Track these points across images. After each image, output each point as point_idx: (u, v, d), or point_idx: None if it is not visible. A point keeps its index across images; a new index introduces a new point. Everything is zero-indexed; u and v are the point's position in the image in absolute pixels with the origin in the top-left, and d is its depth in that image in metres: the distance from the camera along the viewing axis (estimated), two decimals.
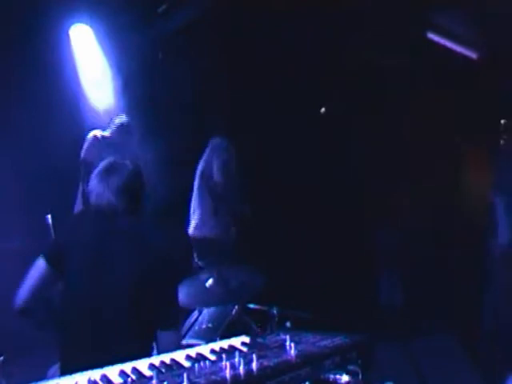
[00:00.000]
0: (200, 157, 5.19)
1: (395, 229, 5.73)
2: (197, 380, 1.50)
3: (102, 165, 2.57)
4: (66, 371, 1.70)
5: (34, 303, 2.47)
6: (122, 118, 4.91)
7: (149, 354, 2.26)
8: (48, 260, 2.47)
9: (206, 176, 5.08)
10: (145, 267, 2.38)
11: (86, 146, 4.78)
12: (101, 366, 1.69)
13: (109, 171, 2.54)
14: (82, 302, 2.35)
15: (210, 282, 3.52)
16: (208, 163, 5.11)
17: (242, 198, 5.17)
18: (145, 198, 2.61)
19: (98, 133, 4.84)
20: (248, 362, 1.58)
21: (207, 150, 5.17)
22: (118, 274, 2.35)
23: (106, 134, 4.83)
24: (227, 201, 5.07)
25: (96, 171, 2.57)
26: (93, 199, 2.54)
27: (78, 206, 4.73)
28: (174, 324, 2.46)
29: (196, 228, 5.11)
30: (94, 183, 2.53)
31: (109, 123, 4.88)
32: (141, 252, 2.43)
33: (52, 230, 4.33)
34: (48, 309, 2.52)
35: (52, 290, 2.51)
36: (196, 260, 4.90)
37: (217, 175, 5.03)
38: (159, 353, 2.38)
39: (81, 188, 4.72)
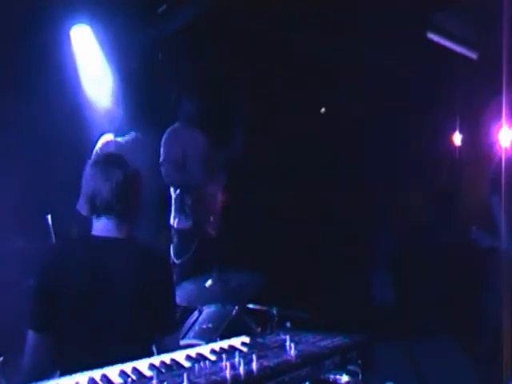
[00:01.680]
0: None
1: (392, 229, 5.74)
2: (197, 380, 1.50)
3: (100, 154, 2.38)
4: (66, 372, 1.69)
5: (42, 374, 2.34)
6: (134, 135, 4.90)
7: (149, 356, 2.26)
8: (39, 330, 2.31)
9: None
10: (144, 276, 2.36)
11: (98, 147, 4.77)
12: (101, 366, 1.69)
13: (110, 162, 2.32)
14: (82, 310, 2.30)
15: (210, 282, 3.54)
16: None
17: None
18: (140, 206, 2.44)
19: (108, 138, 4.85)
20: (248, 362, 1.58)
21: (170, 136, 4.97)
22: (117, 285, 2.31)
23: (119, 139, 4.83)
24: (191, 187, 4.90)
25: (93, 160, 2.37)
26: (86, 191, 2.35)
27: (81, 204, 4.72)
28: (173, 329, 2.46)
29: (175, 221, 4.96)
30: (90, 174, 2.32)
31: (117, 126, 4.86)
32: (139, 261, 2.39)
33: (52, 231, 4.34)
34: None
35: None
36: (174, 259, 4.77)
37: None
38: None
39: None
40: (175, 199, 4.94)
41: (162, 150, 4.88)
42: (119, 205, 2.32)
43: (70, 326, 2.30)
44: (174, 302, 2.51)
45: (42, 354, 2.33)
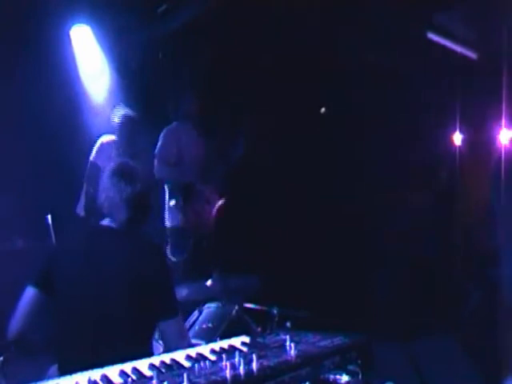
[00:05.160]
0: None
1: (392, 228, 5.73)
2: (197, 380, 1.50)
3: (115, 166, 2.49)
4: (65, 372, 1.70)
5: (28, 333, 2.42)
6: (123, 110, 4.89)
7: (148, 355, 2.27)
8: (37, 285, 2.42)
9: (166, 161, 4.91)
10: (140, 263, 2.39)
11: (96, 149, 4.79)
12: (101, 365, 1.69)
13: (123, 176, 2.45)
14: (79, 304, 2.32)
15: (210, 282, 3.55)
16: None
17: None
18: (149, 214, 2.58)
19: (108, 138, 4.85)
20: (248, 362, 1.58)
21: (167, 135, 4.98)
22: (113, 273, 2.34)
23: (115, 138, 4.83)
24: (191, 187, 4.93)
25: (109, 171, 2.48)
26: (102, 201, 2.47)
27: (81, 206, 4.74)
28: (174, 313, 2.46)
29: (167, 219, 4.97)
30: (107, 185, 2.46)
31: (112, 119, 4.84)
32: (134, 249, 2.43)
33: (52, 231, 4.35)
34: (41, 334, 2.48)
35: (44, 315, 2.46)
36: (170, 256, 4.77)
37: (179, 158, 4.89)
38: (165, 342, 2.45)
39: (85, 188, 4.73)
40: (168, 197, 4.94)
41: (158, 144, 4.89)
42: (129, 216, 2.46)
43: (67, 313, 2.35)
44: (173, 287, 2.53)
45: (35, 309, 2.40)
